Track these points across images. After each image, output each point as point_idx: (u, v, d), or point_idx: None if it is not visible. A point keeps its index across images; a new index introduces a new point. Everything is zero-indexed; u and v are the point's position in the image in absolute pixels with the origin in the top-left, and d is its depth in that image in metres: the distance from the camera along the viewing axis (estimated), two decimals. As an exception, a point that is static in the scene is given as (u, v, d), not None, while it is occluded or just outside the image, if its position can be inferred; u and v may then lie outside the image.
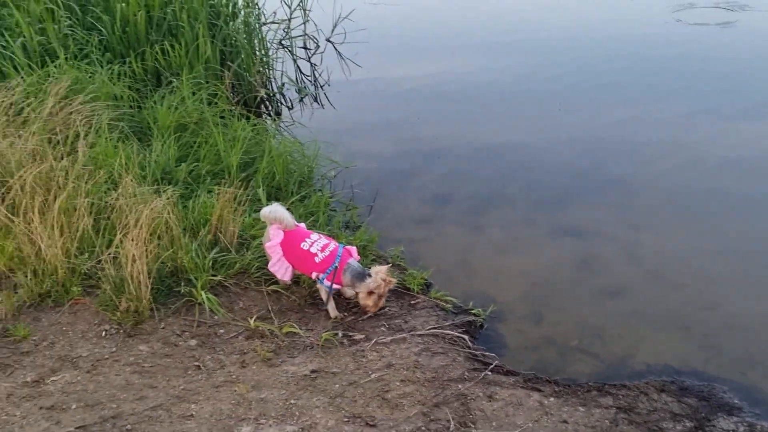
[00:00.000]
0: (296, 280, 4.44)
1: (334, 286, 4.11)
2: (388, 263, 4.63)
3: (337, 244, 4.18)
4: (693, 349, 4.02)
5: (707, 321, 4.26)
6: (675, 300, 4.47)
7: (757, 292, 4.50)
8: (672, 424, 3.33)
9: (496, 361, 3.85)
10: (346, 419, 3.30)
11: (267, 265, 4.31)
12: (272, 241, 4.16)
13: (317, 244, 4.13)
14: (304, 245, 4.12)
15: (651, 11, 10.60)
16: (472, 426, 3.28)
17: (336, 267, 4.06)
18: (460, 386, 3.57)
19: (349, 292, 4.27)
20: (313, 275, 4.13)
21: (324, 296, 4.21)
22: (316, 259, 4.07)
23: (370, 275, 4.04)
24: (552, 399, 3.51)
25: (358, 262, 4.19)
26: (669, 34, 9.54)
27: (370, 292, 4.06)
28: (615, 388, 3.63)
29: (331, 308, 4.20)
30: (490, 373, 3.72)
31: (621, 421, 3.33)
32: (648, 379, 3.74)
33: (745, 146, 6.33)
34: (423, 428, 3.23)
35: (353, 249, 4.25)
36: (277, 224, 4.17)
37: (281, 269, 4.19)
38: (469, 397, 3.48)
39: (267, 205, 4.85)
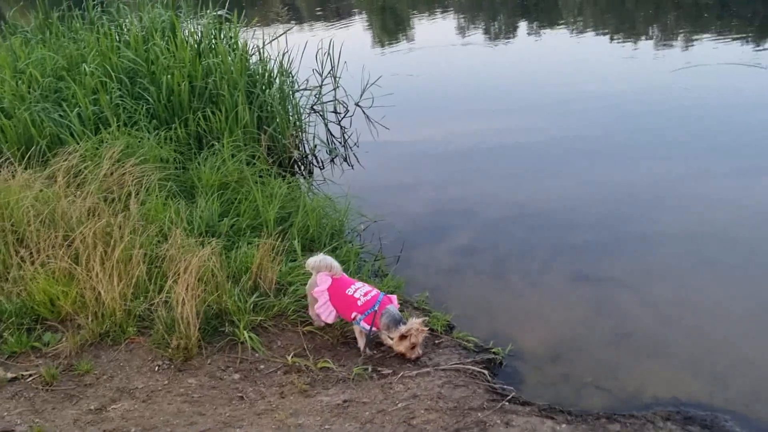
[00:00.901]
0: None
1: (374, 329, 4.44)
2: (424, 316, 4.80)
3: (379, 292, 4.54)
4: (699, 384, 4.29)
5: (714, 359, 4.52)
6: (684, 340, 4.74)
7: (762, 332, 4.76)
8: (676, 448, 3.61)
9: (513, 393, 4.17)
10: (375, 442, 3.64)
11: (308, 309, 4.78)
12: (320, 287, 4.54)
13: (361, 290, 4.51)
14: (349, 291, 4.50)
15: (656, 68, 11.08)
16: (490, 448, 3.60)
17: (375, 310, 4.40)
18: (479, 414, 3.90)
19: (387, 340, 4.51)
20: (352, 316, 4.49)
21: (358, 337, 4.58)
22: (359, 303, 4.44)
23: (404, 323, 4.37)
24: (564, 425, 3.81)
25: (398, 310, 4.51)
26: (675, 89, 9.98)
27: (402, 337, 4.35)
28: (623, 417, 3.92)
29: (363, 346, 4.55)
30: (507, 403, 4.04)
31: (627, 445, 3.62)
32: (655, 409, 4.02)
33: (752, 199, 6.64)
34: (445, 450, 3.57)
35: (394, 297, 4.58)
36: (326, 272, 4.58)
37: (326, 311, 4.55)
38: (487, 424, 3.81)
39: (305, 255, 5.33)
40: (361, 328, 4.51)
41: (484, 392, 4.17)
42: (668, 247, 5.95)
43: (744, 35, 12.88)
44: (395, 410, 3.93)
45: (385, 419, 3.85)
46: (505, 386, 4.29)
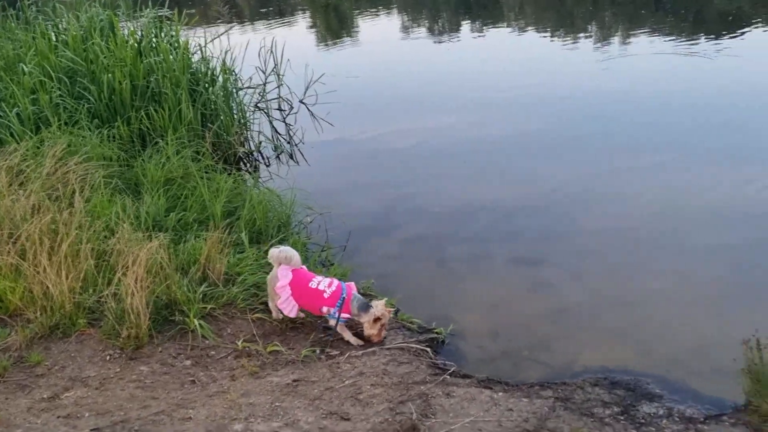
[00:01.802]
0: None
1: (343, 315, 4.57)
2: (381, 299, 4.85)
3: (339, 281, 4.68)
4: (625, 353, 4.60)
5: (637, 330, 4.85)
6: (611, 314, 5.08)
7: (681, 305, 5.12)
8: (602, 410, 3.89)
9: (454, 368, 4.41)
10: (324, 416, 3.83)
11: (267, 300, 4.89)
12: (281, 282, 4.60)
13: (323, 282, 4.63)
14: (312, 284, 4.61)
15: (595, 62, 11.56)
16: (432, 417, 3.82)
17: (344, 298, 4.55)
18: (422, 387, 4.12)
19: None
20: (324, 309, 4.60)
21: (339, 329, 4.66)
22: (325, 295, 4.55)
23: (371, 307, 4.55)
24: (501, 394, 4.07)
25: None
26: (609, 84, 10.45)
27: (377, 319, 4.52)
28: (555, 384, 4.20)
29: (350, 337, 4.65)
30: (449, 377, 4.28)
31: (558, 408, 3.89)
32: (585, 377, 4.32)
33: (675, 188, 7.07)
34: (390, 420, 3.77)
35: (352, 284, 4.74)
36: (286, 264, 4.66)
37: (288, 306, 4.63)
38: (430, 396, 4.03)
39: (252, 247, 5.47)
40: (340, 322, 4.60)
41: (427, 368, 4.39)
42: (597, 232, 6.30)
43: (678, 29, 13.54)
44: (343, 387, 4.13)
45: (333, 395, 4.04)
46: (446, 362, 4.53)
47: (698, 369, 4.33)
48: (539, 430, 3.68)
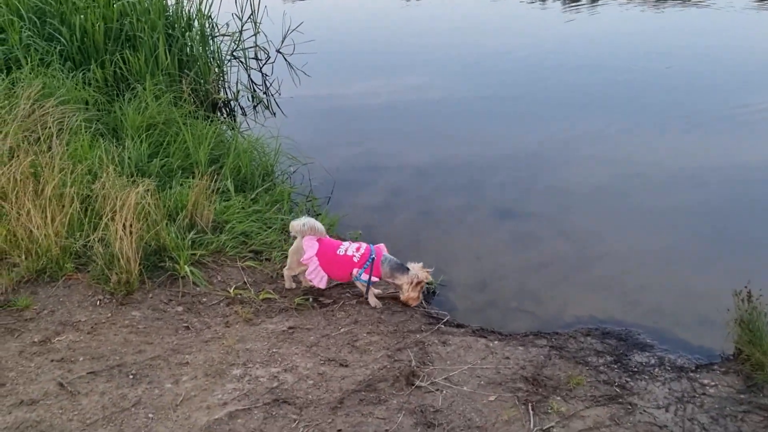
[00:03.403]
0: (269, 257, 4.95)
1: (373, 278, 4.42)
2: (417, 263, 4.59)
3: (368, 245, 4.51)
4: (614, 305, 4.70)
5: (625, 283, 4.95)
6: (599, 266, 5.16)
7: (665, 259, 5.23)
8: (595, 359, 3.98)
9: (448, 317, 4.45)
10: (322, 362, 3.84)
11: (283, 267, 4.68)
12: (308, 253, 4.39)
13: (351, 247, 4.44)
14: (341, 251, 4.42)
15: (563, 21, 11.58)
16: (430, 364, 3.86)
17: (373, 259, 4.39)
18: (418, 336, 4.15)
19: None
20: (354, 271, 4.42)
21: (364, 290, 4.52)
22: (354, 259, 4.38)
23: (408, 269, 4.42)
24: (496, 342, 4.12)
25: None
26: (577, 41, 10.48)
27: (418, 283, 4.40)
28: (549, 334, 4.27)
29: (372, 298, 4.51)
30: (443, 326, 4.32)
31: (553, 356, 3.96)
32: (576, 327, 4.40)
33: (659, 145, 7.17)
34: (388, 366, 3.80)
35: (382, 245, 4.56)
36: (312, 234, 4.45)
37: (318, 277, 4.42)
38: (426, 344, 4.06)
39: (238, 195, 5.37)
40: (362, 282, 4.46)
41: (421, 317, 4.42)
42: (581, 186, 6.36)
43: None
44: (339, 334, 4.13)
45: (329, 342, 4.04)
46: (439, 312, 4.56)
47: (685, 320, 4.45)
48: (536, 377, 3.74)
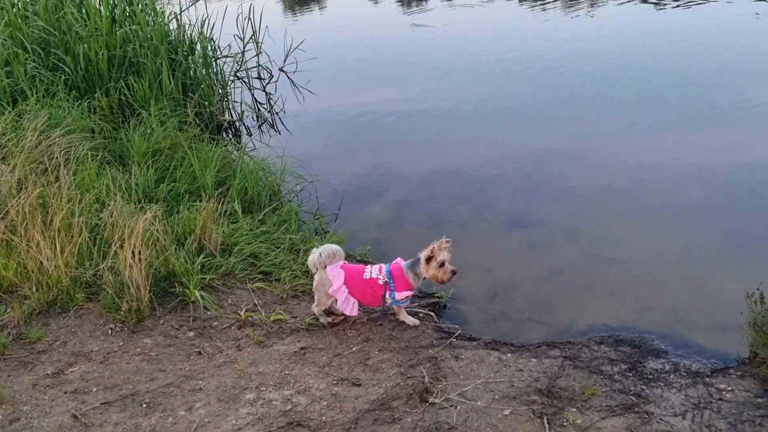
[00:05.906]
0: (278, 278, 4.96)
1: (406, 293, 4.34)
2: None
3: (382, 264, 4.42)
4: (626, 311, 4.66)
5: (637, 288, 4.91)
6: (610, 274, 5.13)
7: (676, 263, 5.19)
8: (610, 367, 3.94)
9: (460, 331, 4.43)
10: (335, 382, 3.83)
11: (313, 305, 4.50)
12: (336, 283, 4.28)
13: (374, 270, 4.35)
14: (366, 275, 4.34)
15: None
16: (443, 380, 3.84)
17: (390, 274, 4.29)
18: (430, 351, 4.13)
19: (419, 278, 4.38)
20: (387, 296, 4.32)
21: (402, 316, 4.47)
22: (380, 281, 4.31)
23: (419, 258, 4.30)
24: (509, 355, 4.10)
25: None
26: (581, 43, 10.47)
27: (428, 259, 4.21)
28: (562, 344, 4.24)
29: (407, 317, 4.47)
30: (455, 339, 4.30)
31: (567, 367, 3.93)
32: (589, 335, 4.36)
33: (668, 148, 7.13)
34: (402, 384, 3.78)
35: (399, 259, 4.45)
36: (332, 262, 4.34)
37: (348, 306, 4.34)
38: (439, 359, 4.05)
39: (246, 216, 5.37)
40: (401, 304, 4.41)
41: (433, 332, 4.40)
42: (592, 192, 6.35)
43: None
44: (351, 353, 4.12)
45: (342, 362, 4.03)
46: (451, 326, 4.55)
47: (699, 324, 4.41)
48: (551, 389, 3.71)
